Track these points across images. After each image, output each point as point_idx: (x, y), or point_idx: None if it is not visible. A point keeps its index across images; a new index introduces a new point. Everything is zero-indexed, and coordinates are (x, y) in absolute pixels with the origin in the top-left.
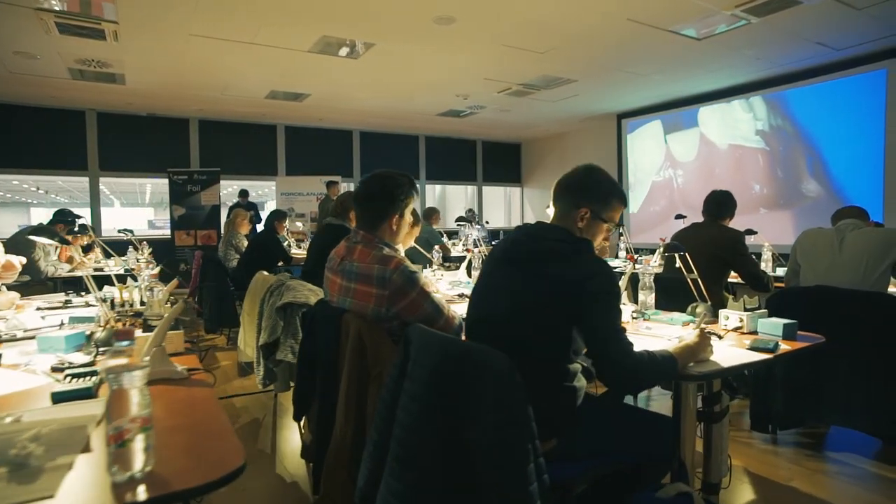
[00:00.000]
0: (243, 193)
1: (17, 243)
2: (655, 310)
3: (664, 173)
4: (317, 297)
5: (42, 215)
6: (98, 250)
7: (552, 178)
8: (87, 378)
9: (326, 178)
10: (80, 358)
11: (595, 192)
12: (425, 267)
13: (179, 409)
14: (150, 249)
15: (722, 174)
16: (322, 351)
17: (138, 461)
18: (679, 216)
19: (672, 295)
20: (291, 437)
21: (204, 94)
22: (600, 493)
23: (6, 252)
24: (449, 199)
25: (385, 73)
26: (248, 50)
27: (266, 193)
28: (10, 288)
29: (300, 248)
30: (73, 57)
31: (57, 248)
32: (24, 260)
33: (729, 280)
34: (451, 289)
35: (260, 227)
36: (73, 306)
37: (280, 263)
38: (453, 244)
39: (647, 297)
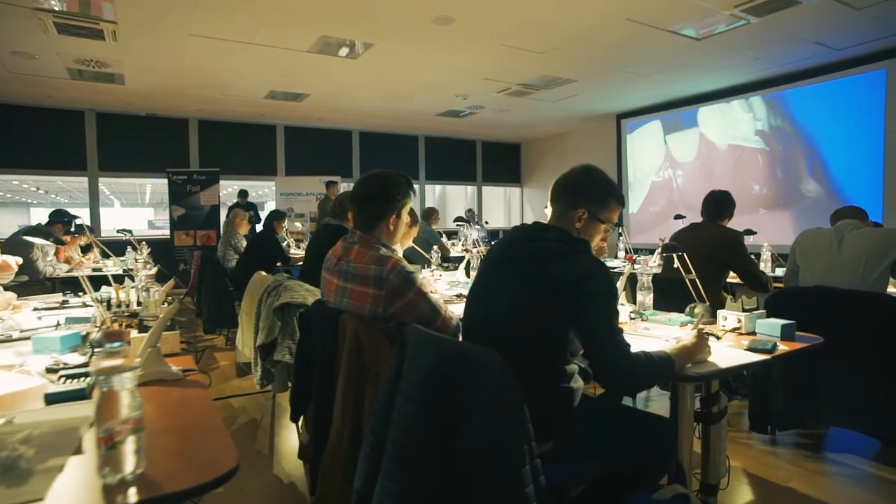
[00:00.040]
0: (242, 193)
1: (14, 244)
2: (654, 310)
3: (664, 173)
4: (314, 297)
5: (42, 215)
6: (96, 250)
7: (552, 179)
8: (82, 379)
9: (326, 178)
10: (75, 359)
11: (593, 192)
12: (424, 267)
13: (173, 411)
14: (150, 250)
15: (721, 174)
16: (319, 351)
17: (129, 463)
18: (678, 216)
19: (670, 295)
20: (289, 437)
21: (203, 94)
22: (597, 494)
23: (3, 253)
24: (448, 199)
25: (384, 73)
26: (247, 50)
27: (265, 193)
28: (7, 288)
29: (299, 248)
30: (71, 57)
31: (55, 248)
32: (20, 260)
33: (728, 280)
34: (449, 289)
35: (259, 228)
36: (70, 307)
37: (279, 264)
38: (452, 244)
39: (646, 297)
